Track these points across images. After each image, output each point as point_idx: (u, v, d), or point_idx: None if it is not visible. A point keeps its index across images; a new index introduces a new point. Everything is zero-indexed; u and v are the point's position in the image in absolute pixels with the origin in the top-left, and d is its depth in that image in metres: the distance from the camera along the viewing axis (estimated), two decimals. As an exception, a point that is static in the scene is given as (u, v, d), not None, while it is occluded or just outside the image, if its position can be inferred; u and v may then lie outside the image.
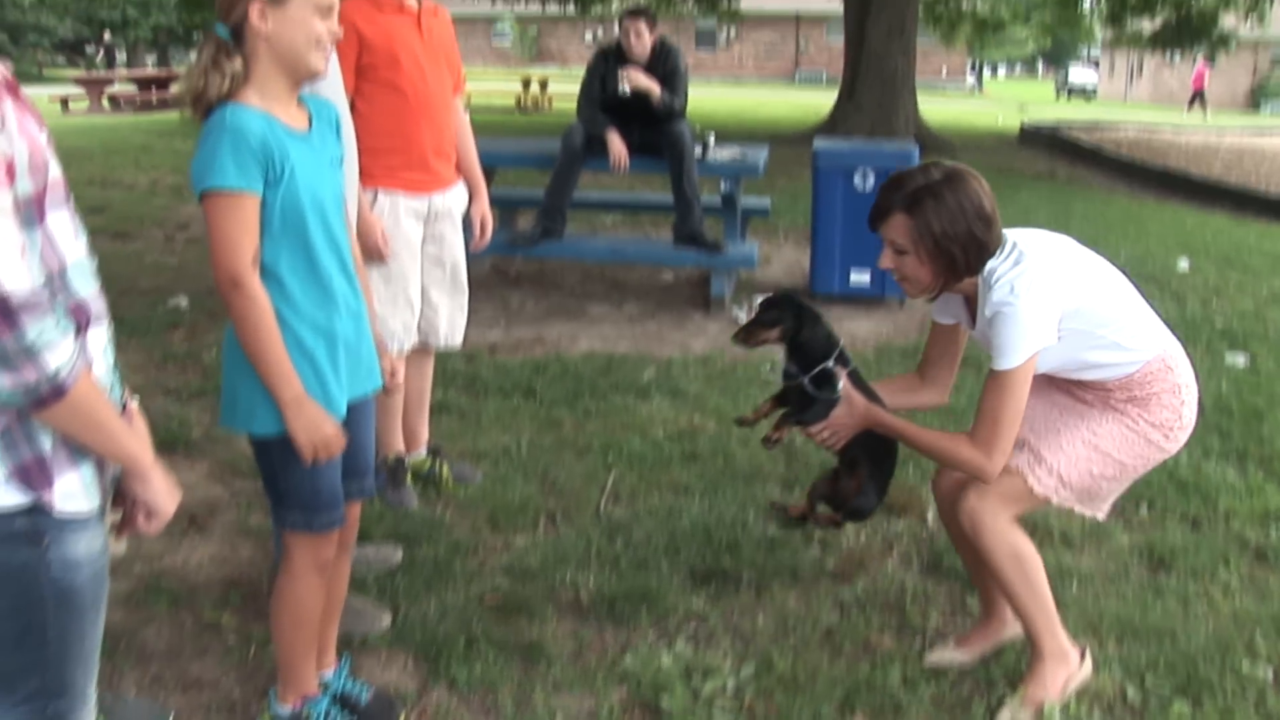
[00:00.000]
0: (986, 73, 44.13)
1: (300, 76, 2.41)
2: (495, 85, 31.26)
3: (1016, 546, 2.79)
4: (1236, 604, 3.48)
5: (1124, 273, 2.85)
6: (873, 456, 3.19)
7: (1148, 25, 24.32)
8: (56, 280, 1.62)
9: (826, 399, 3.04)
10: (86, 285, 1.69)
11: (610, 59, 6.84)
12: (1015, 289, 2.60)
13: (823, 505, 3.46)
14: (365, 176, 3.54)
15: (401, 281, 3.80)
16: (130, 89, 25.76)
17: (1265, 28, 24.81)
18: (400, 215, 3.79)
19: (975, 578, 3.23)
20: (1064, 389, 2.91)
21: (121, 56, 52.30)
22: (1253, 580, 3.65)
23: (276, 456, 2.43)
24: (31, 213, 1.56)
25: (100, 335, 1.73)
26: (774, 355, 3.87)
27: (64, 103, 23.48)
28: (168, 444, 4.49)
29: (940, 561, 3.69)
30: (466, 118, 4.19)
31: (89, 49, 52.69)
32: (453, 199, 4.00)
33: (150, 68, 44.78)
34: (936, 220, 2.62)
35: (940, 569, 3.66)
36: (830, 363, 3.12)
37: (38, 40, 50.98)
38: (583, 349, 6.05)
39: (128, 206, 10.71)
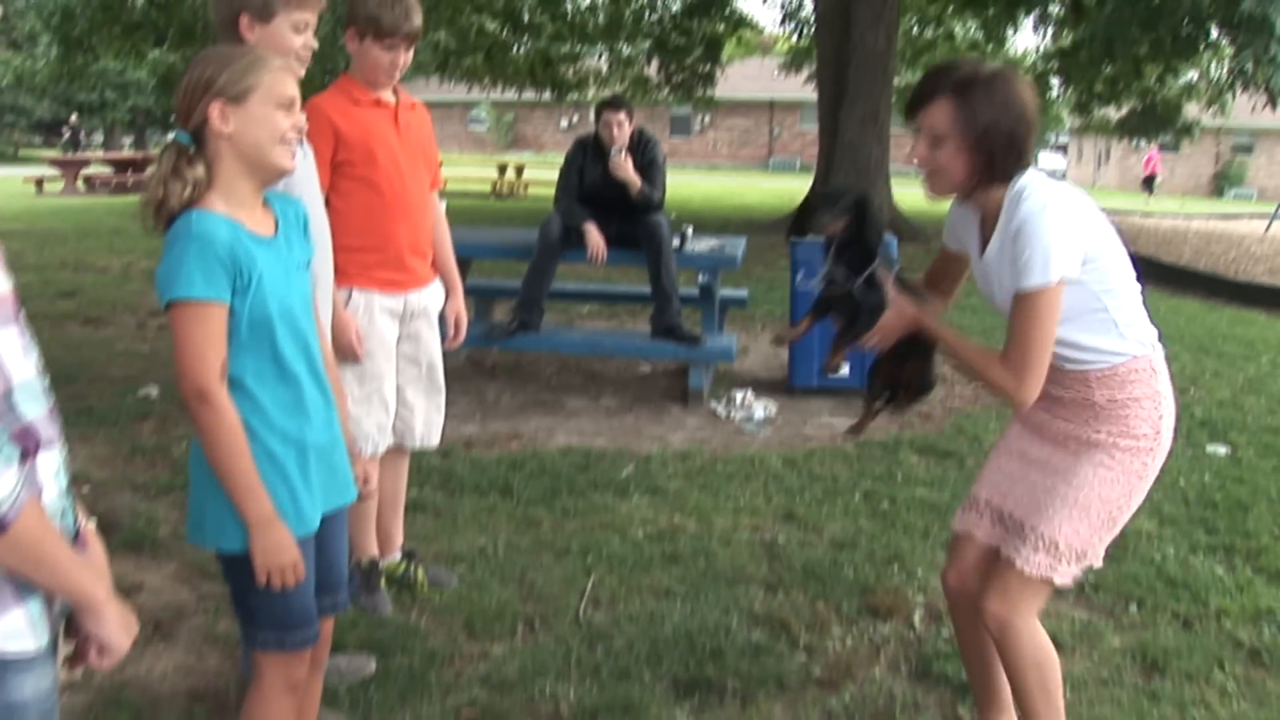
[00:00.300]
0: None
1: (268, 176, 2.36)
2: (471, 171, 31.40)
3: (1041, 654, 2.72)
4: (1234, 709, 3.40)
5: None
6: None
7: (1114, 113, 24.74)
8: (2, 404, 1.53)
9: (875, 304, 2.87)
10: (35, 407, 1.59)
11: (588, 150, 6.84)
12: (1048, 205, 2.50)
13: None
14: (340, 275, 3.47)
15: (376, 381, 3.73)
16: (106, 171, 25.77)
17: (1227, 117, 25.30)
18: (375, 314, 3.72)
19: (974, 678, 3.11)
20: (1035, 429, 2.83)
21: (98, 138, 52.51)
22: (1249, 683, 3.56)
23: (248, 574, 2.33)
24: None
25: (52, 459, 1.63)
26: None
27: (39, 184, 23.47)
28: (133, 543, 4.36)
29: (929, 667, 3.59)
30: (443, 213, 4.14)
31: (71, 127, 52.89)
32: (429, 297, 3.93)
33: (127, 150, 44.94)
34: (984, 109, 2.53)
35: (930, 675, 3.56)
36: (877, 264, 2.95)
37: (14, 121, 51.17)
38: (560, 444, 5.96)
39: (100, 291, 10.62)
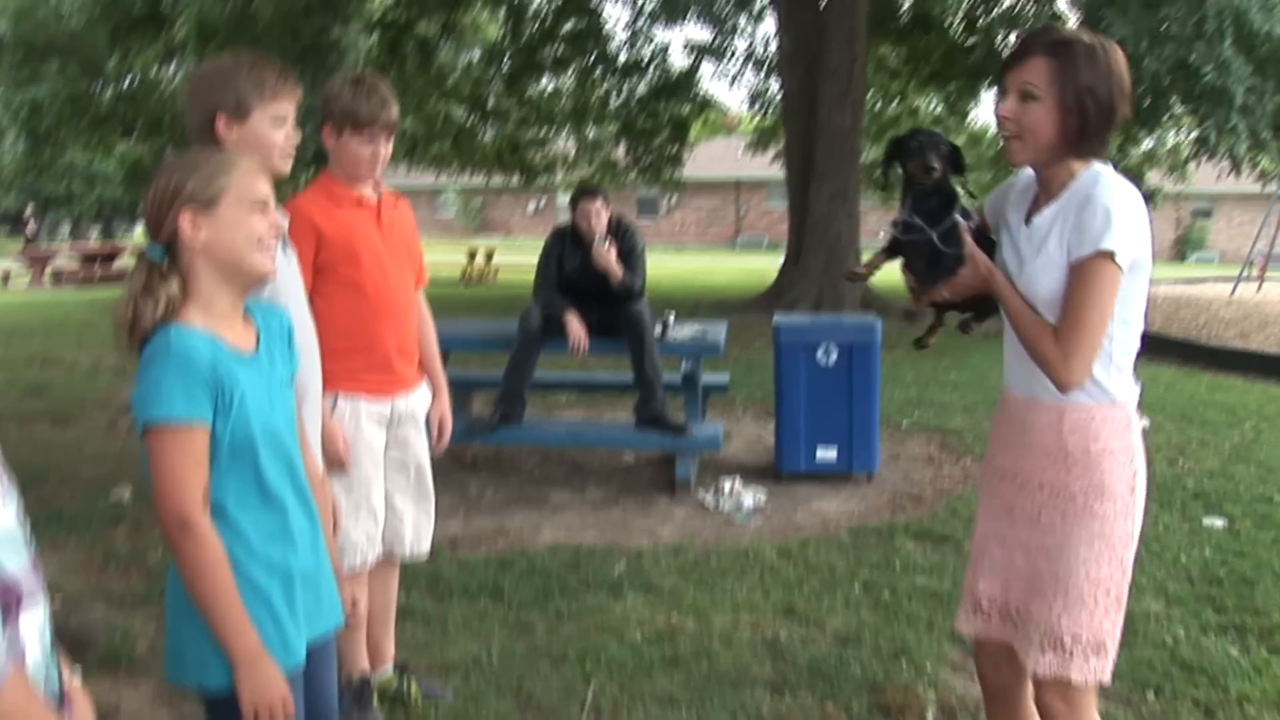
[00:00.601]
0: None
1: (248, 283, 2.26)
2: (439, 257, 31.39)
3: None
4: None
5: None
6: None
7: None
8: None
9: (954, 256, 2.72)
10: (16, 558, 1.46)
11: (566, 239, 6.78)
12: (1127, 190, 2.41)
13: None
14: (325, 380, 3.31)
15: (364, 490, 3.59)
16: (74, 264, 25.63)
17: (1187, 182, 25.62)
18: (362, 420, 3.59)
19: None
20: (1005, 498, 2.70)
21: (65, 230, 52.41)
22: (1278, 778, 3.45)
23: (234, 712, 2.18)
24: None
25: (35, 616, 1.50)
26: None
27: (4, 278, 23.31)
28: (109, 661, 4.19)
29: (948, 772, 3.46)
30: (429, 312, 4.04)
31: (29, 219, 52.80)
32: (416, 400, 3.81)
33: (95, 241, 44.82)
34: (1085, 71, 2.40)
35: (949, 781, 3.43)
36: (957, 214, 2.81)
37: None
38: (547, 540, 5.82)
39: (68, 388, 10.45)
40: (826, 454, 6.90)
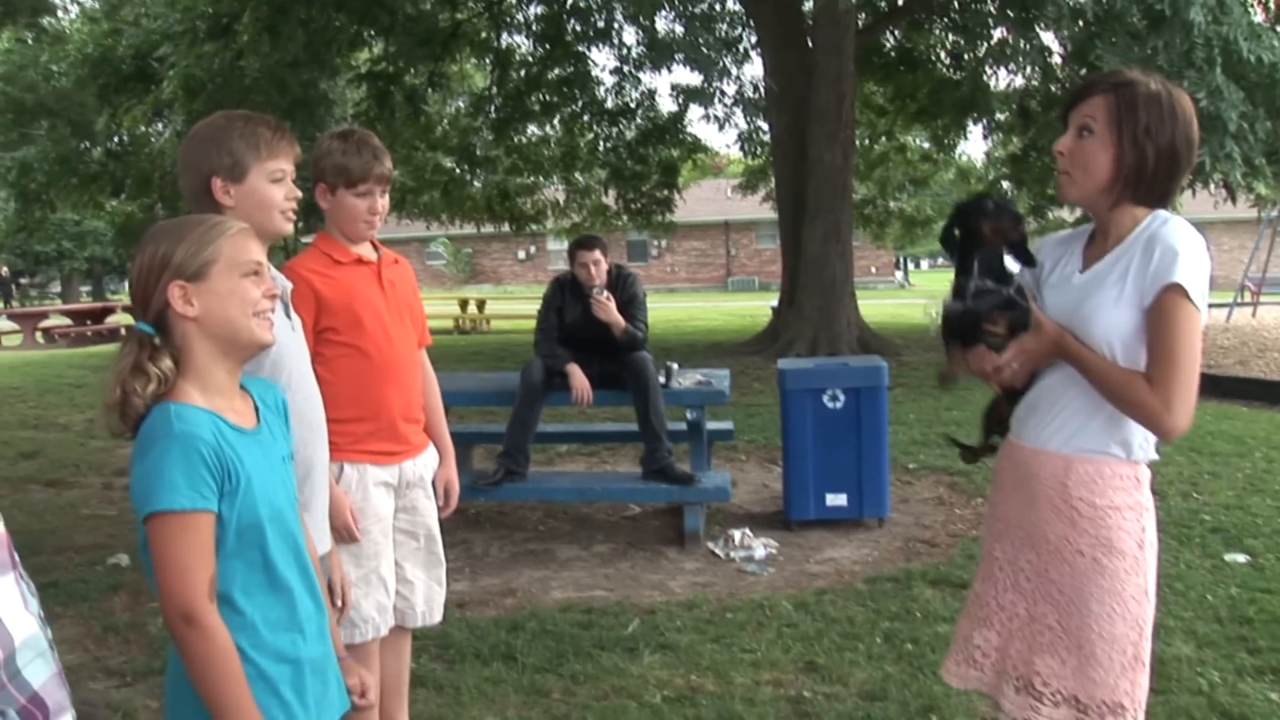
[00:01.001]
0: (911, 265, 45.25)
1: (246, 354, 2.16)
2: (432, 308, 31.34)
3: None
4: None
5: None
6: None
7: (1068, 214, 25.00)
8: (1, 673, 1.29)
9: (1025, 309, 2.50)
10: (42, 669, 1.35)
11: (565, 290, 6.69)
12: (1198, 239, 2.31)
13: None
14: (330, 449, 3.19)
15: (374, 561, 3.46)
16: (65, 322, 25.48)
17: (1179, 210, 25.53)
18: (369, 488, 3.46)
19: None
20: (1012, 545, 2.59)
21: (55, 288, 52.49)
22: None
23: None
24: None
25: None
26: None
27: (-3, 337, 23.20)
28: (111, 742, 4.06)
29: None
30: (433, 372, 3.92)
31: (23, 280, 52.92)
32: (424, 465, 3.69)
33: (84, 299, 44.78)
34: (1145, 111, 2.33)
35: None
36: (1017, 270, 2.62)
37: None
38: (557, 598, 5.68)
39: (62, 450, 10.30)
40: (836, 500, 6.78)
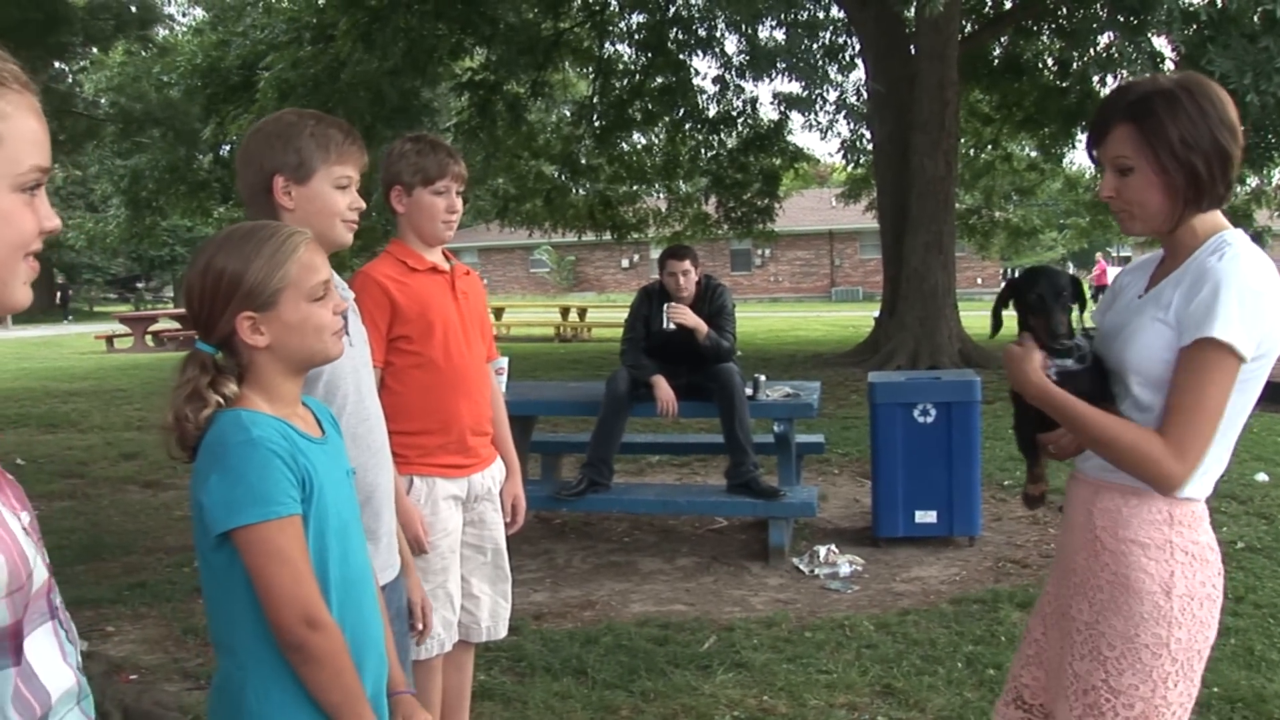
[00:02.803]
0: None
1: (314, 366, 2.10)
2: (534, 316, 31.55)
3: None
4: None
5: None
6: None
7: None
8: None
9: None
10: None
11: (654, 299, 6.63)
12: (1250, 267, 2.11)
13: None
14: (400, 462, 3.12)
15: (441, 576, 3.42)
16: (174, 326, 26.05)
17: (1300, 222, 24.85)
18: (439, 502, 3.41)
19: None
20: (1053, 585, 2.45)
21: (169, 293, 53.97)
22: None
23: None
24: (4, 647, 1.20)
25: None
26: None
27: (109, 340, 23.76)
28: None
29: None
30: (499, 388, 3.88)
31: (140, 285, 54.45)
32: (491, 478, 3.64)
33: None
34: (1173, 124, 2.14)
35: None
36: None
37: (91, 278, 52.80)
38: (636, 612, 5.62)
39: (161, 453, 10.29)
40: (926, 517, 6.63)
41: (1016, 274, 2.55)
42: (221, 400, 1.96)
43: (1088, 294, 2.62)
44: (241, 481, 1.88)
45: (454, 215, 3.48)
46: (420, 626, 3.03)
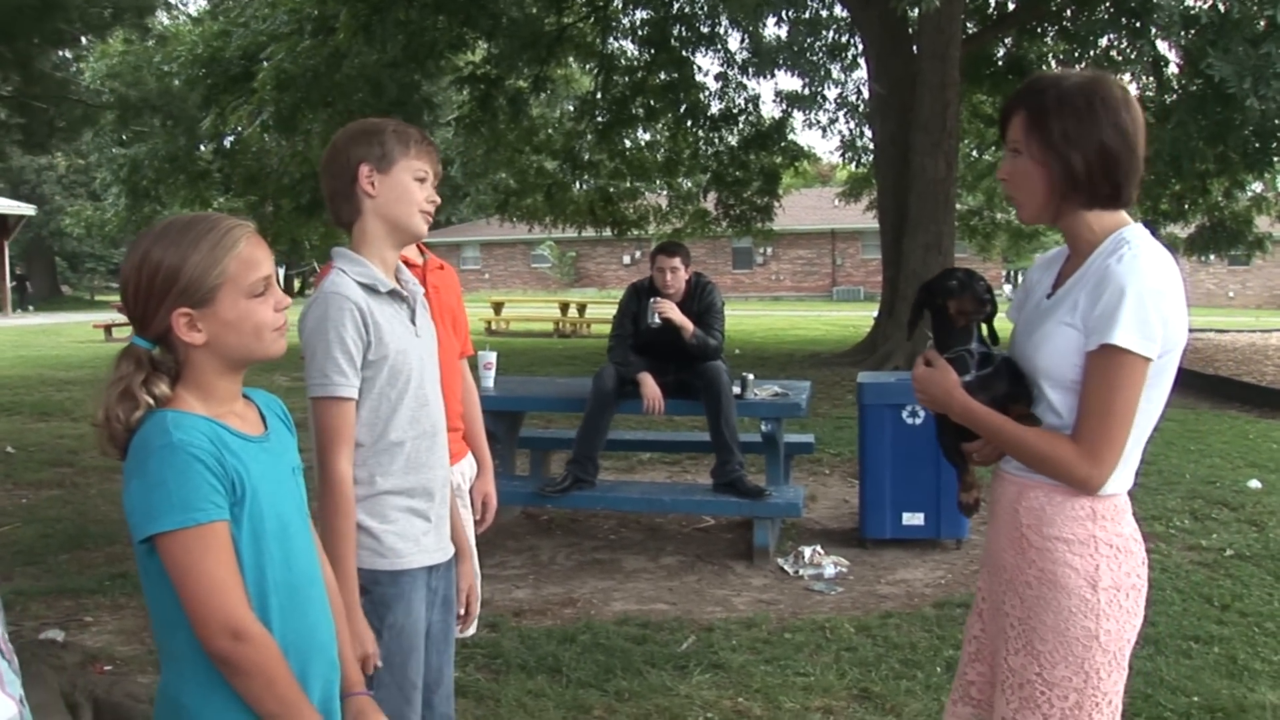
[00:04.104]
0: (1020, 279, 44.64)
1: (253, 363, 2.04)
2: (534, 311, 31.52)
3: None
4: None
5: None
6: None
7: (1180, 230, 24.33)
8: None
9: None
10: None
11: (642, 295, 6.59)
12: (1150, 266, 2.15)
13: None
14: None
15: (408, 568, 3.39)
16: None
17: (1301, 227, 24.77)
18: (404, 496, 3.39)
19: None
20: (984, 582, 2.48)
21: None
22: None
23: None
24: None
25: None
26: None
27: (107, 329, 23.70)
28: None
29: None
30: (473, 382, 3.84)
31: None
32: (460, 474, 3.60)
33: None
34: (1057, 118, 2.21)
35: None
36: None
37: (94, 266, 52.83)
38: (616, 610, 5.57)
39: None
40: (913, 519, 6.59)
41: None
42: (152, 401, 1.91)
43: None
44: (160, 487, 1.83)
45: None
46: (462, 613, 3.02)
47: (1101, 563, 2.24)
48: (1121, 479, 2.26)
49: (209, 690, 1.91)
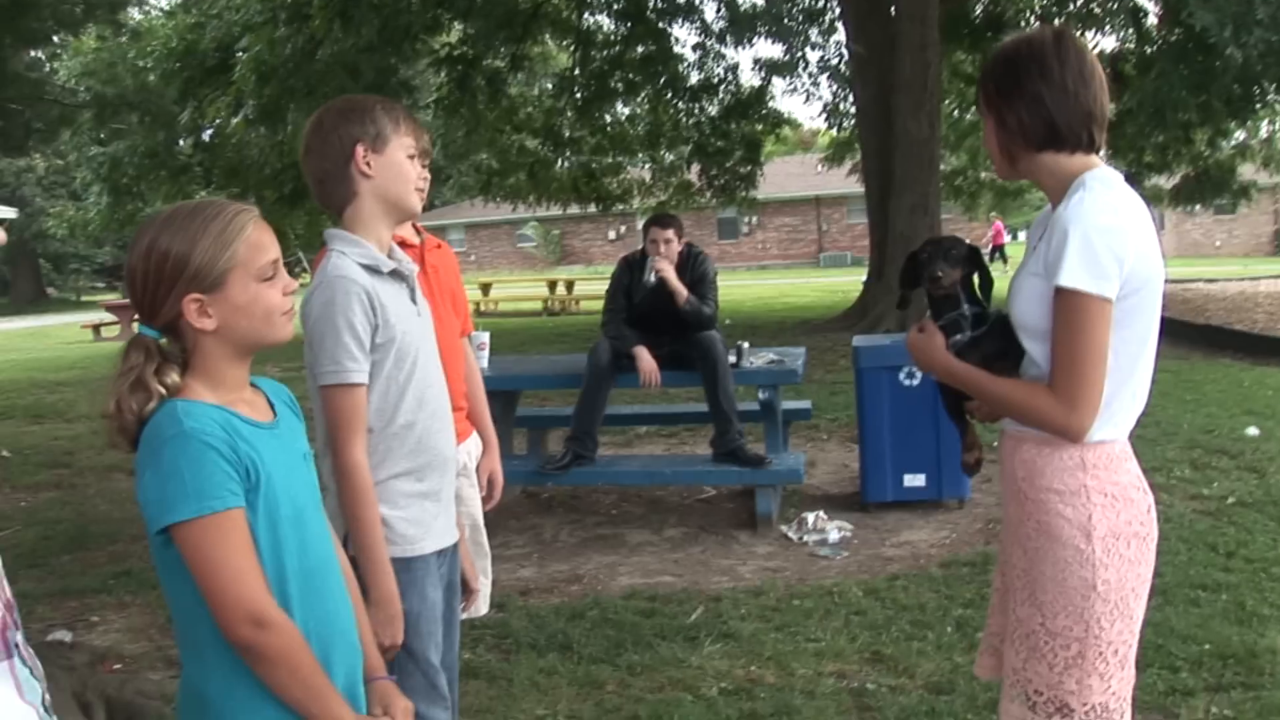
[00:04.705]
0: (1009, 237, 44.42)
1: (262, 348, 2.02)
2: (522, 290, 31.47)
3: None
4: None
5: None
6: None
7: (1165, 181, 24.33)
8: None
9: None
10: None
11: (634, 269, 6.56)
12: (1103, 208, 2.17)
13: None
14: None
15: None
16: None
17: (1284, 173, 24.77)
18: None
19: None
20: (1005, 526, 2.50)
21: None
22: None
23: None
24: None
25: None
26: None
27: (96, 329, 23.61)
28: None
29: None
30: (475, 361, 3.82)
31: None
32: (466, 453, 3.58)
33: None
34: (992, 76, 2.33)
35: None
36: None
37: (79, 267, 52.63)
38: (623, 585, 5.57)
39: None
40: (914, 481, 6.58)
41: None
42: (164, 390, 1.89)
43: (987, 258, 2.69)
44: (175, 476, 1.81)
45: (424, 185, 3.43)
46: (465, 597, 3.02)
47: (1094, 512, 2.24)
48: (1113, 426, 2.26)
49: (233, 681, 1.89)
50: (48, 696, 1.31)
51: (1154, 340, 2.30)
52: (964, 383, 2.39)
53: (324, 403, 2.52)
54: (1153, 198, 25.25)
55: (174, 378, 1.91)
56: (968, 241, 2.62)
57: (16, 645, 1.24)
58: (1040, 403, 2.22)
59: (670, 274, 6.30)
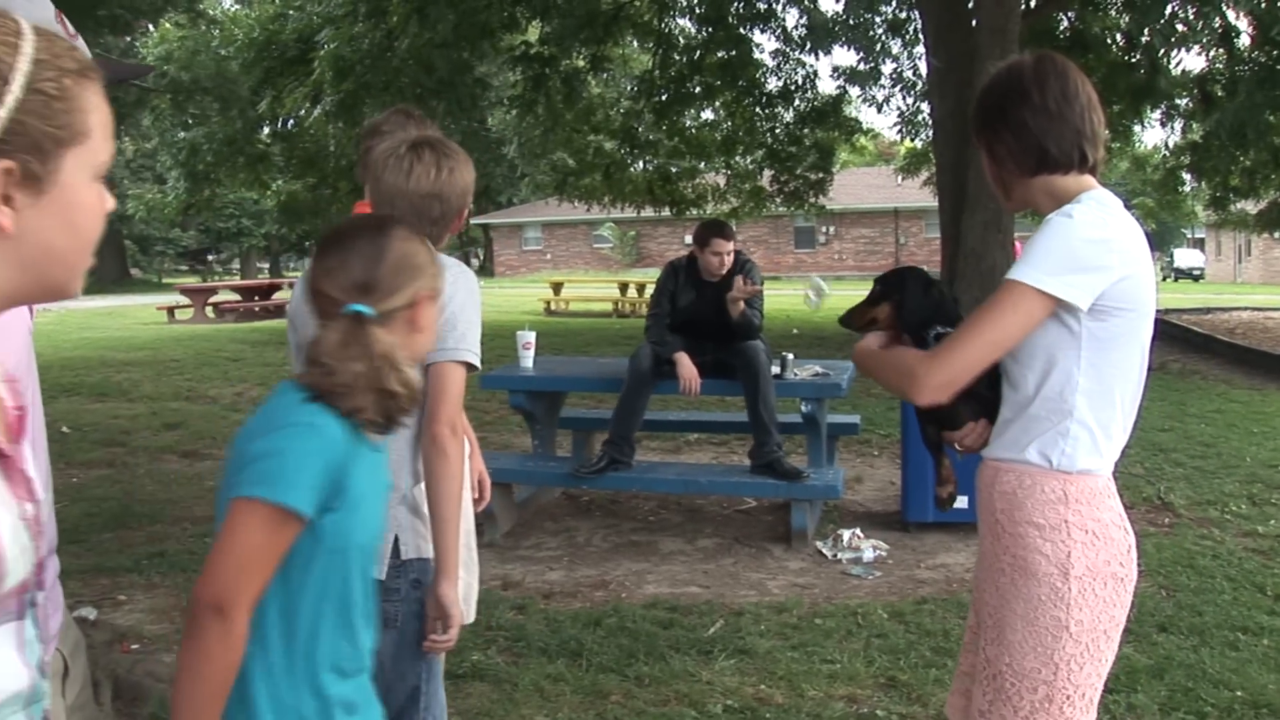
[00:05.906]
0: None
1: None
2: (594, 291, 31.51)
3: None
4: None
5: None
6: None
7: (1252, 206, 23.77)
8: None
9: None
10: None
11: (680, 274, 6.51)
12: (1094, 219, 2.12)
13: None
14: None
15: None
16: (234, 297, 26.21)
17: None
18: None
19: None
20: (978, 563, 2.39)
21: (235, 265, 54.81)
22: None
23: None
24: None
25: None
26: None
27: (170, 311, 23.95)
28: (162, 716, 3.99)
29: None
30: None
31: (210, 257, 55.33)
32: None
33: (265, 276, 46.46)
34: (976, 112, 2.33)
35: None
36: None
37: (163, 250, 53.67)
38: (648, 593, 5.49)
39: (204, 423, 10.51)
40: (957, 502, 6.42)
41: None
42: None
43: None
44: (275, 455, 1.78)
45: None
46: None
47: (1074, 549, 2.15)
48: (1097, 456, 2.18)
49: (274, 660, 1.87)
50: (46, 659, 1.26)
51: (1142, 371, 2.22)
52: (864, 360, 2.43)
53: (444, 376, 2.60)
54: (1239, 223, 24.69)
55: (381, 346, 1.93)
56: (908, 267, 2.66)
57: (37, 604, 1.20)
58: (910, 359, 2.21)
59: (742, 307, 6.26)
